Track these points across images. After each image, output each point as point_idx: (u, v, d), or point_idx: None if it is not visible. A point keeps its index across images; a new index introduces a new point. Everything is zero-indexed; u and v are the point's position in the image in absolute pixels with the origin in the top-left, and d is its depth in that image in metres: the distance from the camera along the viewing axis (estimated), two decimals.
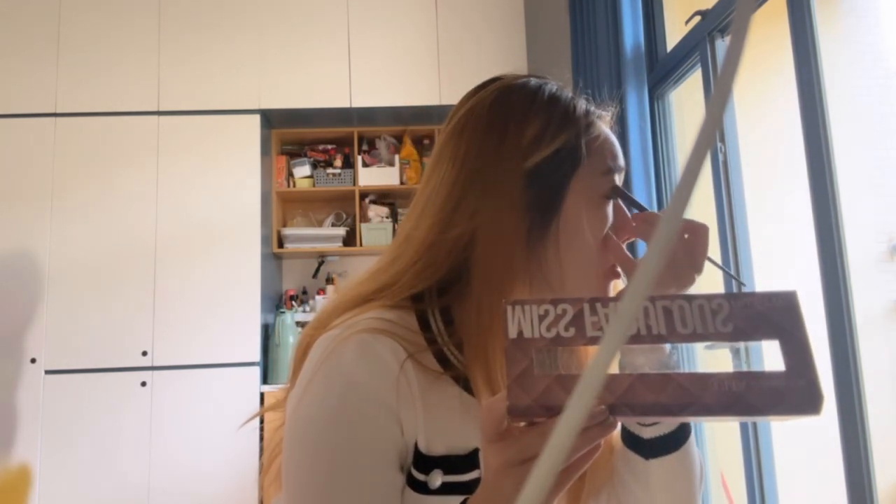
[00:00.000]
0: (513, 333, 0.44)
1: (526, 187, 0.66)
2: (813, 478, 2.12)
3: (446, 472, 0.63)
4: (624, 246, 0.68)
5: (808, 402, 0.45)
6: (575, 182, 0.67)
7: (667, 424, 0.63)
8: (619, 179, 0.70)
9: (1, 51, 2.84)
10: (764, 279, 1.92)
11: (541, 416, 0.44)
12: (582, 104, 0.72)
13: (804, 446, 2.10)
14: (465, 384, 0.65)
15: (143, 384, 2.65)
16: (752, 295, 0.46)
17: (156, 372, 2.67)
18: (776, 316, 0.45)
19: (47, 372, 2.64)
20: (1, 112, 2.81)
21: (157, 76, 2.87)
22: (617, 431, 0.69)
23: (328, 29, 2.94)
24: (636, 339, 0.45)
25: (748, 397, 0.43)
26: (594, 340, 0.44)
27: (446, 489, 0.62)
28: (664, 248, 0.21)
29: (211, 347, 2.69)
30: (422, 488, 0.62)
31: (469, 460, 0.63)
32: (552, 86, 0.73)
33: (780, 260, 2.32)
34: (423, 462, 0.62)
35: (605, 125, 0.73)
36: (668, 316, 0.45)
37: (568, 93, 0.73)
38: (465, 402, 0.64)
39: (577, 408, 0.21)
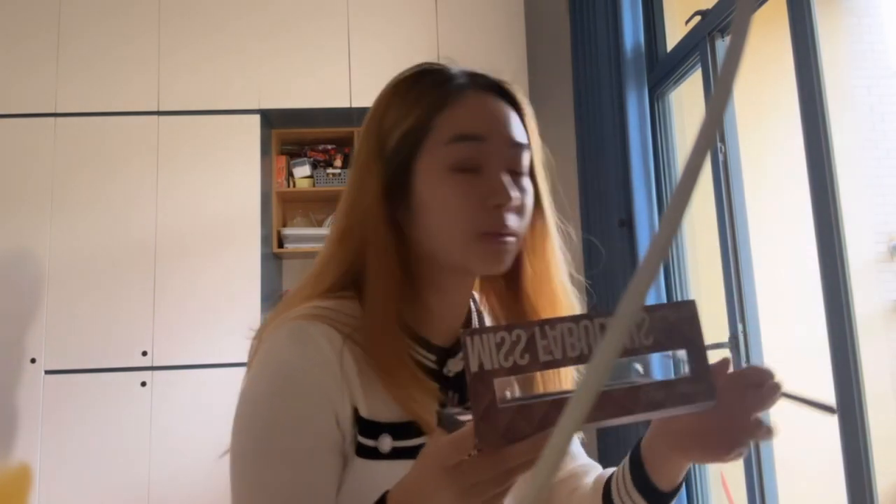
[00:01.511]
0: (474, 367, 0.44)
1: (383, 174, 0.70)
2: (813, 478, 2.12)
3: (395, 438, 0.66)
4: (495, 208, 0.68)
5: (708, 396, 0.51)
6: (420, 158, 0.70)
7: None
8: (487, 151, 0.68)
9: (1, 51, 2.84)
10: (764, 279, 1.92)
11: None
12: (444, 78, 0.73)
13: (804, 446, 2.10)
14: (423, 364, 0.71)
15: (143, 384, 2.65)
16: (664, 307, 0.50)
17: (156, 372, 2.66)
18: (683, 326, 0.51)
19: (47, 372, 2.64)
20: (1, 112, 2.81)
21: (157, 76, 2.87)
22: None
23: (328, 29, 2.93)
24: (579, 359, 0.48)
25: (666, 403, 0.49)
26: (547, 365, 0.47)
27: (397, 454, 0.66)
28: (664, 247, 0.21)
29: (211, 347, 2.69)
30: (372, 454, 0.66)
31: (417, 427, 0.67)
32: (424, 68, 0.75)
33: (781, 260, 2.32)
34: (370, 428, 0.66)
35: (480, 93, 0.72)
36: (598, 332, 0.48)
37: (441, 70, 0.75)
38: (410, 374, 0.68)
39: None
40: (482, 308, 0.84)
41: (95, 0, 2.89)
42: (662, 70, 2.34)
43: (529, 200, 0.73)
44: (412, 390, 0.66)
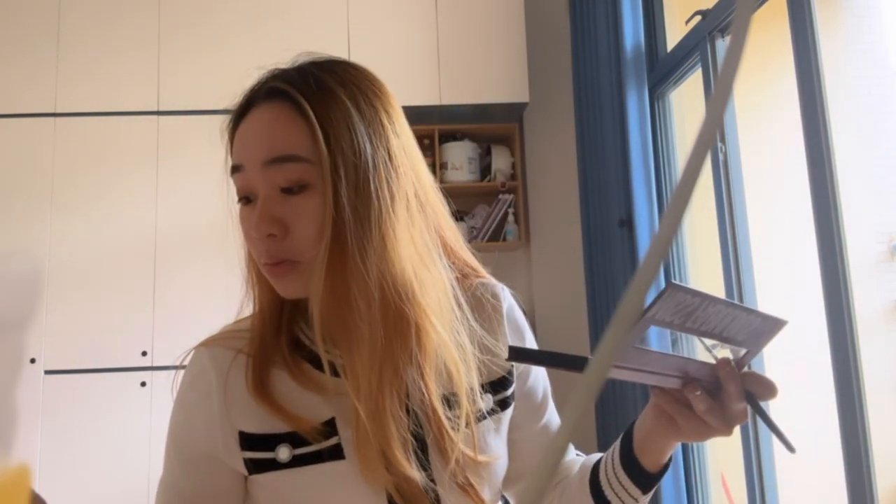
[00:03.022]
0: (652, 313, 0.49)
1: None
2: (813, 478, 2.12)
3: (296, 446, 0.67)
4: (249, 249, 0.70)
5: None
6: None
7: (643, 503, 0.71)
8: (245, 179, 0.66)
9: (1, 51, 2.84)
10: (764, 279, 1.92)
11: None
12: (239, 108, 0.71)
13: (804, 446, 2.10)
14: (316, 360, 0.70)
15: (143, 384, 2.65)
16: (770, 318, 0.56)
17: (156, 372, 2.67)
18: (763, 336, 0.58)
19: (47, 372, 2.64)
20: (1, 112, 2.81)
21: (157, 76, 2.87)
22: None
23: (328, 29, 2.93)
24: (695, 331, 0.53)
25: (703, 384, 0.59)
26: (689, 331, 0.52)
27: (299, 461, 0.66)
28: (664, 247, 0.21)
29: None
30: (271, 465, 0.66)
31: (323, 431, 0.67)
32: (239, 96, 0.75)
33: (781, 260, 2.32)
34: (263, 441, 0.67)
35: (248, 117, 0.68)
36: (719, 317, 0.53)
37: (243, 96, 0.72)
38: (315, 377, 0.68)
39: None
40: None
41: (95, 1, 2.89)
42: (662, 70, 2.34)
43: (301, 219, 0.64)
44: (298, 397, 0.68)
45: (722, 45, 2.02)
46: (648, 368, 0.54)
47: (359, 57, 2.93)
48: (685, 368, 0.57)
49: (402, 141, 0.68)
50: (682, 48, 2.19)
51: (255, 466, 0.67)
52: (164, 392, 2.65)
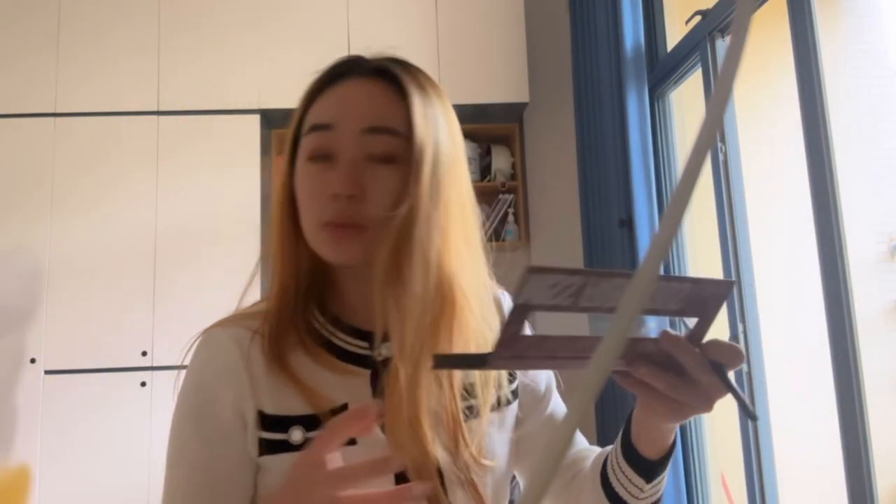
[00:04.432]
0: (520, 300, 0.46)
1: (288, 183, 0.74)
2: (813, 478, 2.12)
3: (309, 429, 0.68)
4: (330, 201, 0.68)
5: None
6: (298, 156, 0.73)
7: (650, 493, 0.70)
8: (334, 140, 0.69)
9: (1, 51, 2.84)
10: (764, 279, 1.92)
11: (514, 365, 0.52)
12: (321, 75, 0.75)
13: (804, 446, 2.10)
14: (330, 346, 0.72)
15: (143, 384, 2.65)
16: (710, 281, 0.53)
17: (156, 372, 2.67)
18: (711, 300, 0.54)
19: (47, 372, 2.64)
20: (1, 112, 2.81)
21: (157, 76, 2.87)
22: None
23: (328, 29, 2.93)
24: (591, 309, 0.50)
25: (654, 356, 0.56)
26: (585, 310, 0.49)
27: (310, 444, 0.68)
28: (664, 247, 0.21)
29: None
30: (283, 447, 0.67)
31: (335, 415, 0.67)
32: (328, 65, 0.77)
33: (781, 260, 2.32)
34: (278, 423, 0.68)
35: (339, 83, 0.73)
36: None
37: (327, 68, 0.76)
38: (330, 362, 0.70)
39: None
40: None
41: (96, 1, 2.89)
42: (662, 70, 2.34)
43: (381, 188, 0.68)
44: (316, 380, 0.69)
45: (722, 45, 2.02)
46: (564, 354, 0.52)
47: None
48: (631, 348, 0.55)
49: (459, 142, 0.76)
50: (682, 48, 2.19)
51: (268, 447, 0.68)
52: (164, 392, 2.65)
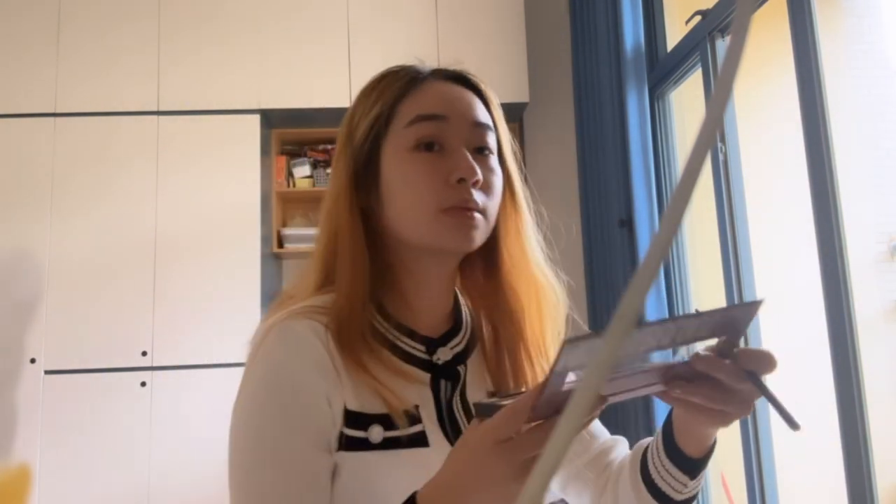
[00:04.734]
0: (560, 368, 0.48)
1: (351, 164, 0.74)
2: (813, 478, 2.12)
3: (386, 429, 0.67)
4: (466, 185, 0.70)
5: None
6: (385, 144, 0.73)
7: (693, 488, 0.71)
8: (447, 130, 0.71)
9: (1, 51, 2.84)
10: (764, 279, 1.92)
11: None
12: (406, 72, 0.77)
13: (804, 446, 2.10)
14: (394, 348, 0.72)
15: (143, 384, 2.64)
16: (737, 307, 0.57)
17: (156, 372, 2.66)
18: (739, 322, 0.57)
19: (47, 372, 2.64)
20: (1, 112, 2.81)
21: (157, 76, 2.87)
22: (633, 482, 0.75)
23: (328, 29, 2.93)
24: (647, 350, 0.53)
25: (687, 376, 0.58)
26: (622, 364, 0.53)
27: (388, 444, 0.66)
28: (664, 247, 0.21)
29: (211, 347, 2.69)
30: (362, 445, 0.66)
31: (410, 416, 0.68)
32: (393, 68, 0.79)
33: (781, 260, 2.32)
34: (360, 420, 0.66)
35: (440, 81, 0.76)
36: (678, 332, 0.53)
37: (403, 68, 0.79)
38: (393, 365, 0.70)
39: (577, 406, 0.21)
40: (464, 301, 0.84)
41: (96, 1, 2.89)
42: (662, 70, 2.34)
43: (497, 180, 0.73)
44: (384, 379, 0.68)
45: (722, 45, 2.02)
46: (622, 390, 0.55)
47: (359, 57, 2.94)
48: (666, 372, 0.58)
49: None
50: (682, 48, 2.19)
51: (348, 443, 0.66)
52: (164, 392, 2.65)
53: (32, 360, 2.64)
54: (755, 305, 0.56)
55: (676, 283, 2.29)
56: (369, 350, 0.69)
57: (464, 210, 0.69)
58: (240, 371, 0.72)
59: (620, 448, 0.83)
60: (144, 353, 2.67)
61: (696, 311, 0.53)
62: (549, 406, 0.49)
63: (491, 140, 0.74)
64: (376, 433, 0.66)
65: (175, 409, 2.64)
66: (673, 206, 0.21)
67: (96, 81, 2.84)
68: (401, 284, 0.75)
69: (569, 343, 0.46)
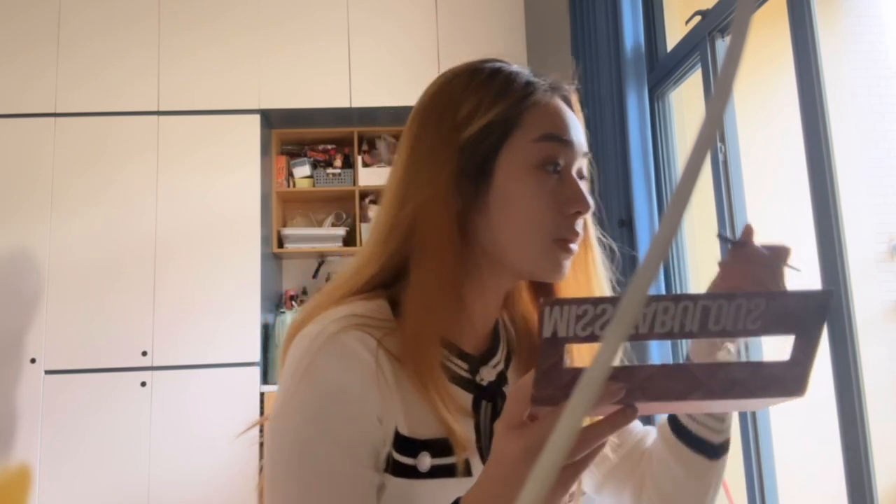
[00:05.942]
0: (547, 333, 0.44)
1: (458, 162, 0.66)
2: (813, 478, 2.12)
3: (434, 456, 0.63)
4: (576, 219, 0.68)
5: (795, 386, 0.49)
6: (505, 151, 0.67)
7: (727, 427, 0.72)
8: (568, 156, 0.68)
9: (1, 51, 2.84)
10: None
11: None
12: (525, 78, 0.73)
13: (804, 446, 2.10)
14: (442, 367, 0.66)
15: (143, 384, 2.65)
16: (791, 294, 0.47)
17: (156, 372, 2.66)
18: (804, 314, 0.47)
19: (47, 372, 2.64)
20: (1, 112, 2.81)
21: (156, 76, 2.87)
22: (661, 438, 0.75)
23: (328, 29, 2.93)
24: (667, 335, 0.46)
25: (747, 383, 0.48)
26: (631, 337, 0.45)
27: (436, 472, 0.63)
28: (664, 247, 0.21)
29: (211, 347, 2.69)
30: (410, 472, 0.63)
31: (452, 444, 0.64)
32: (497, 65, 0.75)
33: None
34: (409, 445, 0.63)
35: (558, 98, 0.72)
36: (704, 314, 0.45)
37: (516, 69, 0.74)
38: (451, 392, 0.65)
39: (585, 391, 0.21)
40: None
41: (96, 1, 2.89)
42: (662, 70, 2.34)
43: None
44: (447, 403, 0.63)
45: (722, 45, 2.02)
46: (655, 393, 0.48)
47: (359, 57, 2.94)
48: (712, 375, 0.49)
49: None
50: (682, 48, 2.19)
51: (396, 469, 0.63)
52: (164, 392, 2.65)
53: (32, 360, 2.64)
54: (824, 295, 0.47)
55: (676, 283, 2.29)
56: (426, 370, 0.64)
57: (569, 243, 0.67)
58: (240, 371, 0.71)
59: (652, 436, 0.81)
60: (144, 353, 2.67)
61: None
62: (554, 385, 0.46)
63: (586, 170, 0.72)
64: (425, 462, 0.63)
65: (175, 409, 2.64)
66: (673, 206, 0.21)
67: (96, 81, 2.85)
68: (465, 299, 0.70)
69: (549, 306, 0.44)
